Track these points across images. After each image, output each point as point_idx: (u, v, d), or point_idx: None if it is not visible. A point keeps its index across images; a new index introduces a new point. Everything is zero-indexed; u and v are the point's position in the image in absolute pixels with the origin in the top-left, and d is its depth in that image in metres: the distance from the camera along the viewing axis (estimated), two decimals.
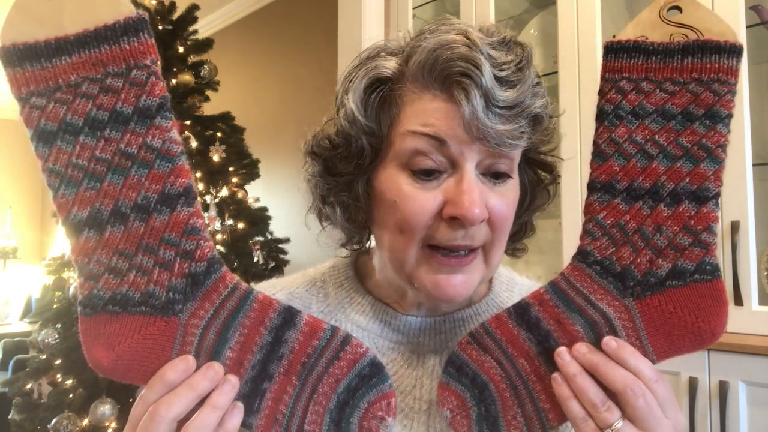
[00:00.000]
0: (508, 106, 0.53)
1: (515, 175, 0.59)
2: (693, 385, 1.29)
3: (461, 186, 0.53)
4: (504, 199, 0.56)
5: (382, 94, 0.57)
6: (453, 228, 0.54)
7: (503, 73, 0.53)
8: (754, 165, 1.30)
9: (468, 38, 0.53)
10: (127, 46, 0.49)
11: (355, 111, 0.57)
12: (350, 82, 0.59)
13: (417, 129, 0.54)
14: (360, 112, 0.57)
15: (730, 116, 0.51)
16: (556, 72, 1.64)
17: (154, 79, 0.50)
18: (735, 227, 1.29)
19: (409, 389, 0.62)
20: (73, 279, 2.11)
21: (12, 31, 0.48)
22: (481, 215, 0.53)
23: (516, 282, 0.72)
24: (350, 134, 0.58)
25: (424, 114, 0.54)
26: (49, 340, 2.03)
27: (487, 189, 0.56)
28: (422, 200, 0.54)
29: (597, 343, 0.51)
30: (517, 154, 0.58)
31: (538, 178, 0.65)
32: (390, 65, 0.57)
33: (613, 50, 0.53)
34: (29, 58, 0.48)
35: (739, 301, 1.29)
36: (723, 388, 1.25)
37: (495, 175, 0.56)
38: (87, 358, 0.51)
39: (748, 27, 1.34)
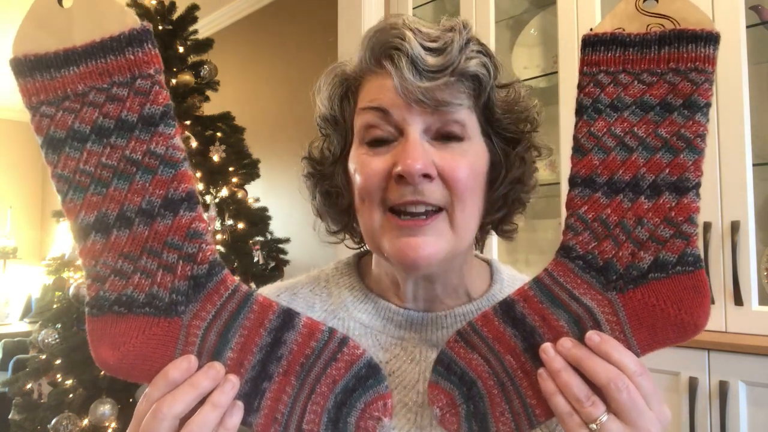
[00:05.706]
0: (436, 70, 0.57)
1: (473, 139, 0.61)
2: (693, 385, 1.28)
3: (405, 146, 0.58)
4: (456, 157, 0.59)
5: (342, 90, 0.66)
6: (401, 185, 0.58)
7: (433, 45, 0.57)
8: (754, 165, 1.30)
9: (401, 21, 0.59)
10: (132, 57, 0.50)
11: (322, 108, 0.67)
12: (320, 88, 0.68)
13: (364, 105, 0.62)
14: (326, 106, 0.67)
15: (708, 105, 0.51)
16: (556, 72, 1.64)
17: (157, 88, 0.51)
18: (735, 227, 1.28)
19: (412, 384, 0.64)
20: (72, 279, 2.11)
21: (25, 40, 0.50)
22: (423, 169, 0.56)
23: (517, 279, 0.73)
24: (323, 129, 0.69)
25: (370, 93, 0.62)
26: (49, 340, 2.03)
27: (436, 150, 0.59)
28: (374, 164, 0.60)
29: (582, 338, 0.51)
30: (468, 118, 0.60)
31: (509, 147, 0.65)
32: (351, 64, 0.66)
33: (590, 43, 0.53)
34: (39, 68, 0.50)
35: (739, 301, 1.28)
36: (723, 388, 1.24)
37: (446, 137, 0.59)
38: (94, 356, 0.52)
39: (748, 27, 1.32)
